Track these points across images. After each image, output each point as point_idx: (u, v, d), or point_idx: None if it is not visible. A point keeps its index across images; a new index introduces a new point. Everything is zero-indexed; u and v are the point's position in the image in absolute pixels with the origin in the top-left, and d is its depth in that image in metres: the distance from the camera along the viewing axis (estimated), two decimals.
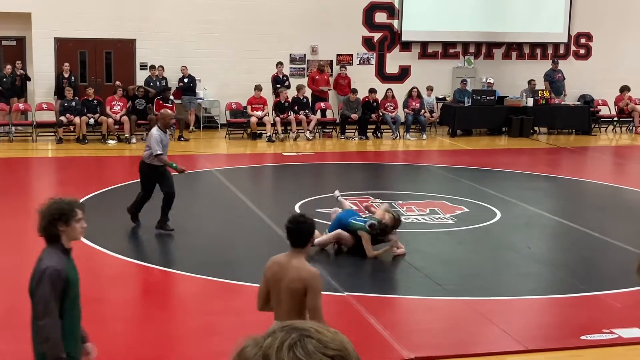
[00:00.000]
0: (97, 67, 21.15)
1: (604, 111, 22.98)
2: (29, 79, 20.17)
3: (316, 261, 9.79)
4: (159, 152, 10.58)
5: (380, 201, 12.85)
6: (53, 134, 19.16)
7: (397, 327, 7.82)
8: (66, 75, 19.85)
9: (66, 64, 19.95)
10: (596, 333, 7.53)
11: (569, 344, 7.36)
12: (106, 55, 21.10)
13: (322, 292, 8.70)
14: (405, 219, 11.36)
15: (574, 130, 22.08)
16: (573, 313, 8.34)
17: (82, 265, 9.55)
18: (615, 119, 22.77)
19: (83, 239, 10.54)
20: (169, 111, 11.44)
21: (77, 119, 18.85)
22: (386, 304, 8.71)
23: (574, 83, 23.03)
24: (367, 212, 11.03)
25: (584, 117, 21.96)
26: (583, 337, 7.46)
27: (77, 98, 19.24)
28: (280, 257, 5.29)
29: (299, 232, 5.19)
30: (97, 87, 20.28)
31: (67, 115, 18.83)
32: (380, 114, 20.72)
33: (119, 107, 19.40)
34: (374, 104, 20.74)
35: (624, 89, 22.49)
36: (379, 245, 10.14)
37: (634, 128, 22.46)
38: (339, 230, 10.17)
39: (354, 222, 10.17)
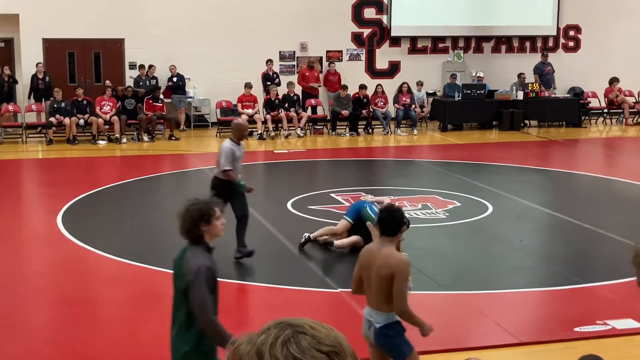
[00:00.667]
0: (86, 68, 21.08)
1: (593, 103, 23.03)
2: (16, 82, 20.06)
3: (309, 258, 9.80)
4: (226, 168, 9.64)
5: (372, 196, 12.86)
6: (43, 135, 19.10)
7: None
8: (40, 77, 19.75)
9: (39, 64, 19.82)
10: (590, 325, 7.55)
11: (563, 336, 7.37)
12: (95, 55, 21.03)
13: (316, 289, 8.72)
14: None
15: (564, 123, 22.12)
16: (567, 305, 8.36)
17: (73, 267, 9.56)
18: (605, 110, 22.83)
19: (74, 239, 10.53)
20: (242, 121, 10.60)
21: (66, 120, 18.79)
22: None
23: (563, 76, 23.07)
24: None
25: (574, 109, 22.01)
26: (577, 329, 7.47)
27: (58, 98, 19.15)
28: (373, 245, 5.73)
29: (391, 221, 5.50)
30: (87, 87, 20.21)
31: (57, 116, 18.76)
32: (371, 109, 20.72)
33: (108, 107, 19.35)
34: (365, 100, 20.73)
35: (614, 80, 22.54)
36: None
37: (623, 119, 22.51)
38: (359, 238, 10.04)
39: (368, 211, 10.15)
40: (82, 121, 18.98)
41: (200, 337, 4.91)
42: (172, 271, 5.17)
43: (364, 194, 13.08)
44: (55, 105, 18.90)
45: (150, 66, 20.42)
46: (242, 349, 1.45)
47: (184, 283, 4.90)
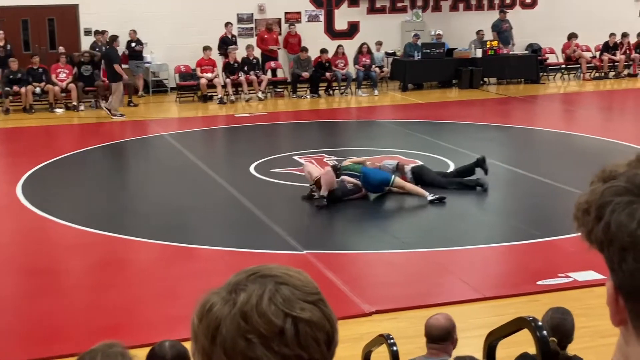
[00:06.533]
0: (40, 35, 20.68)
1: (551, 59, 23.17)
2: None
3: (274, 221, 9.79)
4: None
5: (336, 158, 12.87)
6: None
7: (357, 282, 7.88)
8: (1, 44, 19.32)
9: (0, 32, 19.38)
10: (552, 278, 7.66)
11: (526, 290, 7.48)
12: (49, 22, 20.62)
13: (282, 251, 8.72)
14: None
15: (522, 80, 22.25)
16: (529, 259, 8.48)
17: (35, 236, 9.46)
18: (563, 66, 22.99)
19: (34, 209, 10.39)
20: None
21: (22, 89, 18.45)
22: (345, 260, 8.75)
23: (521, 32, 23.12)
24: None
25: (532, 66, 22.12)
26: (539, 283, 7.59)
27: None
28: None
29: None
30: (42, 55, 19.83)
31: (15, 87, 18.39)
32: (332, 71, 20.61)
33: (64, 75, 19.04)
34: (327, 64, 20.59)
35: (572, 36, 22.68)
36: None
37: (581, 75, 22.70)
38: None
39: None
40: (38, 89, 18.66)
41: None
42: None
43: (327, 156, 13.09)
44: (11, 76, 18.54)
45: (104, 32, 19.99)
46: (218, 311, 1.29)
47: None
